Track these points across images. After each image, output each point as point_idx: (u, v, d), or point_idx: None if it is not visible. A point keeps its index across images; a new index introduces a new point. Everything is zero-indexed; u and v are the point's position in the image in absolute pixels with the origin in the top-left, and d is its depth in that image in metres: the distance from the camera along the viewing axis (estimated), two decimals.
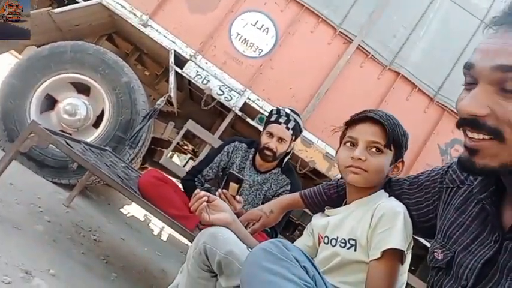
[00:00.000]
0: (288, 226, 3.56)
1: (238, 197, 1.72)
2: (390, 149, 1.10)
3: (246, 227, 1.30)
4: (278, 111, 2.07)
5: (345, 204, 1.18)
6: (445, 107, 3.13)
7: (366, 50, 3.08)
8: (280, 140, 2.03)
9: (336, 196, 1.24)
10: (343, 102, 3.06)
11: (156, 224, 4.00)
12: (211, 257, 1.04)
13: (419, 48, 3.17)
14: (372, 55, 3.08)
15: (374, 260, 0.97)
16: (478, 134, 0.65)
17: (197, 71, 3.02)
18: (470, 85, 0.68)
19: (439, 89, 3.14)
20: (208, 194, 1.18)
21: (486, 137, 0.65)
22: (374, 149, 1.08)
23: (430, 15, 3.16)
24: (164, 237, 3.80)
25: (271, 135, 2.04)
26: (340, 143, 1.19)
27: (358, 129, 1.11)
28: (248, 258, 0.81)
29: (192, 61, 3.02)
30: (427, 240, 2.60)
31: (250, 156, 2.18)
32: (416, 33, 3.15)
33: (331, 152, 3.00)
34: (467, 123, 0.67)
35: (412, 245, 1.04)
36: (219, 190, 1.73)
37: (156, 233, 3.76)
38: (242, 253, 1.02)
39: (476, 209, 0.80)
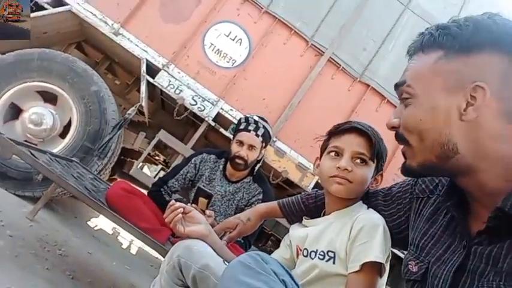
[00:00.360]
0: (261, 237, 3.54)
1: (208, 212, 1.72)
2: (373, 161, 1.11)
3: (222, 236, 1.28)
4: (247, 119, 2.08)
5: (324, 215, 1.17)
6: None
7: (337, 62, 3.15)
8: (251, 147, 2.04)
9: (314, 206, 1.24)
10: (316, 113, 3.10)
11: (125, 237, 3.88)
12: (186, 271, 1.01)
13: (388, 61, 3.27)
14: (343, 67, 3.15)
15: (353, 272, 0.96)
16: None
17: (169, 81, 2.99)
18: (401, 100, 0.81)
19: None
20: (183, 205, 1.15)
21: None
22: (359, 160, 1.08)
23: (398, 29, 3.26)
24: (133, 251, 3.69)
25: (241, 143, 2.04)
26: (322, 152, 1.18)
27: (344, 140, 1.10)
28: (225, 273, 0.78)
29: (165, 70, 2.99)
30: (401, 252, 2.65)
31: (221, 166, 2.16)
32: (385, 47, 3.25)
33: (304, 162, 3.02)
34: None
35: (390, 257, 1.03)
36: (189, 205, 1.70)
37: (125, 246, 3.64)
38: (218, 267, 1.00)
39: (446, 219, 0.82)
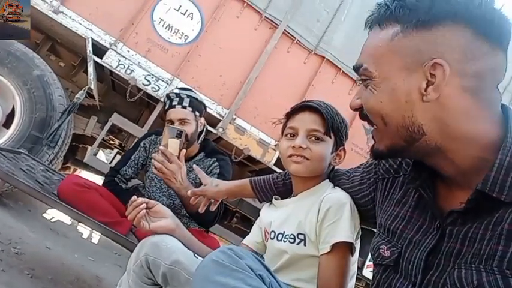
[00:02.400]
0: (226, 214, 3.54)
1: (184, 151, 1.62)
2: (330, 137, 1.10)
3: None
4: (168, 96, 1.98)
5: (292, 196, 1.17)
6: None
7: (291, 35, 3.11)
8: (182, 121, 1.92)
9: (284, 186, 1.23)
10: (273, 88, 3.08)
11: (85, 227, 3.74)
12: (155, 269, 0.97)
13: (341, 32, 3.27)
14: (298, 40, 3.12)
15: (324, 254, 0.96)
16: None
17: (119, 60, 2.83)
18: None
19: None
20: (146, 200, 1.10)
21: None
22: (313, 138, 1.08)
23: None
24: (95, 240, 3.57)
25: (171, 122, 1.94)
26: (282, 135, 1.17)
27: (298, 119, 1.11)
28: (198, 273, 0.74)
29: (113, 49, 2.81)
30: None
31: None
32: (337, 18, 3.24)
33: (265, 138, 3.02)
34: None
35: (360, 233, 1.04)
36: (160, 148, 1.59)
37: (85, 236, 3.51)
38: (189, 261, 0.96)
39: (415, 198, 0.80)
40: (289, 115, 1.14)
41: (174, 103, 1.95)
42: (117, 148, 4.55)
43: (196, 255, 1.03)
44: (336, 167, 1.19)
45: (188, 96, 1.97)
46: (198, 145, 2.07)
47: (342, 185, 1.10)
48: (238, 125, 2.99)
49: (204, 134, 2.11)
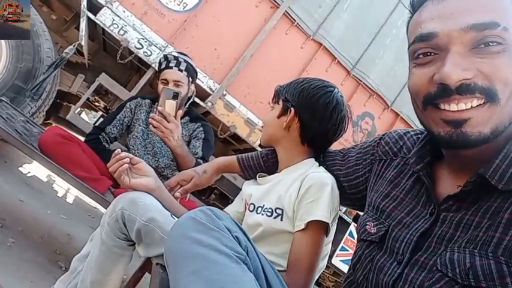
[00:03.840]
0: (204, 190, 3.53)
1: (180, 112, 1.64)
2: (278, 103, 1.15)
3: (175, 189, 1.23)
4: (166, 57, 2.00)
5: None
6: (360, 81, 3.30)
7: (292, 17, 3.07)
8: (177, 83, 1.96)
9: (270, 162, 1.22)
10: (267, 69, 3.05)
11: (61, 185, 3.69)
12: (130, 224, 0.96)
13: (342, 21, 3.25)
14: (298, 23, 3.09)
15: (299, 231, 0.96)
16: (466, 104, 0.61)
17: (113, 19, 2.75)
18: (427, 56, 0.65)
19: (356, 63, 3.28)
20: (131, 155, 1.07)
21: (476, 103, 0.61)
22: None
23: None
24: (70, 200, 3.53)
25: (166, 81, 1.96)
26: None
27: None
28: (174, 228, 0.72)
29: (108, 8, 2.73)
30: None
31: (155, 110, 2.01)
32: (340, 6, 3.22)
33: (253, 118, 3.01)
34: (449, 92, 0.62)
35: (337, 216, 1.04)
36: (158, 108, 1.60)
37: (60, 194, 3.46)
38: (165, 220, 0.95)
39: (410, 182, 0.79)
40: None
41: (171, 64, 1.97)
42: (101, 111, 4.47)
43: (173, 216, 1.02)
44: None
45: (185, 61, 2.00)
46: (184, 109, 2.08)
47: (335, 165, 1.09)
48: (227, 101, 2.96)
49: (191, 100, 2.14)
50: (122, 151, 1.05)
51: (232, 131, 2.96)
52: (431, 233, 0.69)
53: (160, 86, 1.97)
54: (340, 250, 3.28)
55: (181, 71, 1.98)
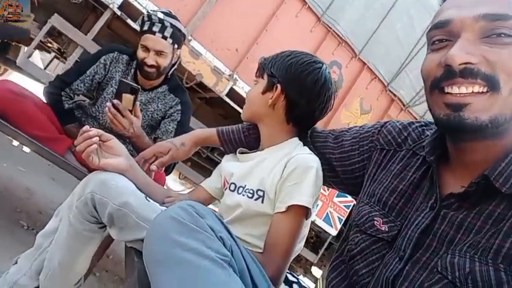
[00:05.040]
0: None
1: (137, 108, 1.48)
2: (262, 78, 1.09)
3: (145, 164, 1.17)
4: (150, 17, 1.74)
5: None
6: (330, 28, 3.22)
7: None
8: (159, 53, 1.75)
9: (252, 138, 1.16)
10: (234, 12, 2.90)
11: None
12: (101, 208, 0.90)
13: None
14: None
15: (279, 212, 0.93)
16: (467, 88, 0.63)
17: None
18: (442, 42, 0.67)
19: (326, 9, 3.18)
20: (101, 132, 0.98)
21: (477, 89, 0.62)
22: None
23: None
24: (27, 149, 3.37)
25: (146, 49, 1.75)
26: None
27: None
28: (154, 229, 0.67)
29: None
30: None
31: (132, 70, 1.86)
32: None
33: (220, 66, 2.90)
34: (453, 75, 0.63)
35: (318, 199, 1.01)
36: (113, 101, 1.43)
37: (16, 144, 3.29)
38: (140, 204, 0.90)
39: (417, 176, 0.78)
40: None
41: (154, 29, 1.72)
42: (55, 52, 4.16)
43: (148, 198, 0.97)
44: (315, 127, 1.13)
45: (172, 25, 1.75)
46: (163, 76, 1.89)
47: (326, 148, 1.04)
48: (193, 47, 2.82)
49: (175, 67, 1.93)
50: (81, 115, 0.95)
51: (198, 79, 2.85)
52: (432, 231, 0.69)
53: (140, 51, 1.76)
54: None
55: (165, 38, 1.74)
